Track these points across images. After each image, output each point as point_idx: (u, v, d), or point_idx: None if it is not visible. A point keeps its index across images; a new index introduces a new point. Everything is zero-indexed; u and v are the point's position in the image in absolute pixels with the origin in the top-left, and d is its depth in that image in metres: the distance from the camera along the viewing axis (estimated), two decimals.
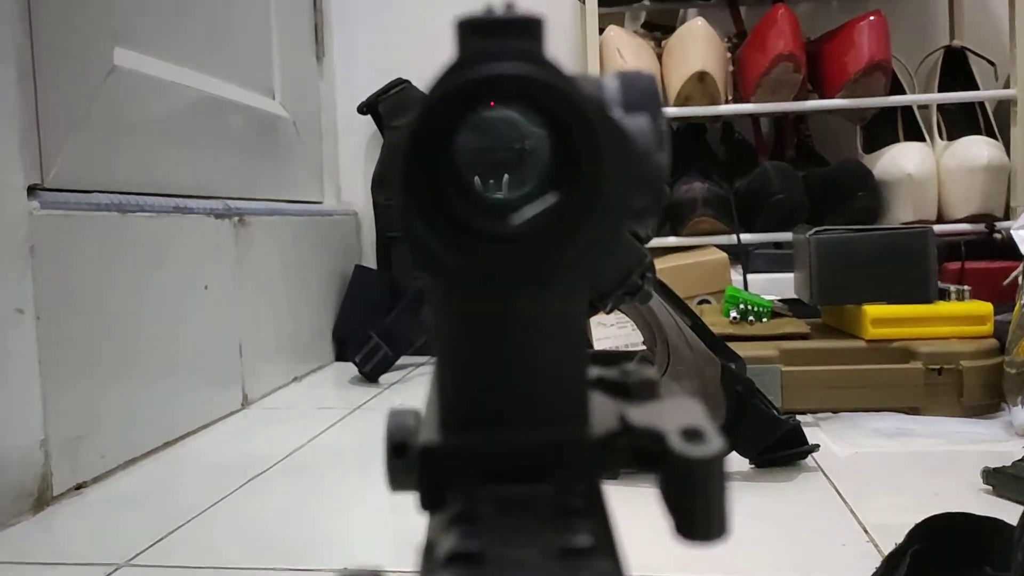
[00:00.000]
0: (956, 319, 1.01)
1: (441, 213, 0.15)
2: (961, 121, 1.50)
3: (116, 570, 0.62)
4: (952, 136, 1.47)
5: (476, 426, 0.17)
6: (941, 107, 1.51)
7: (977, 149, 1.41)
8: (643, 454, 0.16)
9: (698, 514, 0.15)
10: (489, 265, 0.15)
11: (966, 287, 1.04)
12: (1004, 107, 1.47)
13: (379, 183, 1.58)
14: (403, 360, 1.37)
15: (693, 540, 0.15)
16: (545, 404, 0.17)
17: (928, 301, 1.02)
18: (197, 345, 1.06)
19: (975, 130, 1.47)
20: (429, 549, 0.15)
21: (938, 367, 0.96)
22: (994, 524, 0.48)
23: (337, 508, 0.77)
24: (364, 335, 1.35)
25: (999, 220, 1.38)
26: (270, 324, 1.28)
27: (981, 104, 1.50)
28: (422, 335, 1.39)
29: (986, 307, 1.02)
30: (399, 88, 1.60)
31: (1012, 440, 0.86)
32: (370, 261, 1.65)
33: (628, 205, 0.16)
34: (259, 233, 1.25)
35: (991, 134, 1.47)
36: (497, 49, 0.15)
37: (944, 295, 1.04)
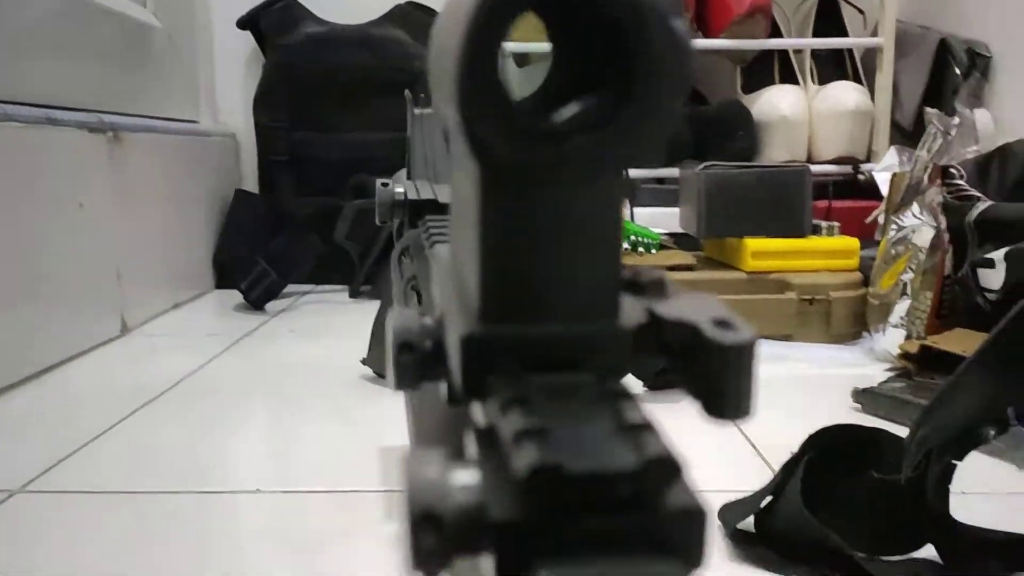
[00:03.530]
0: (826, 253, 1.08)
1: (500, 108, 0.15)
2: (832, 67, 1.58)
3: (10, 497, 0.59)
4: (823, 81, 1.55)
5: (515, 318, 0.17)
6: (814, 52, 1.58)
7: (845, 94, 1.49)
8: (672, 345, 0.17)
9: (731, 396, 0.16)
10: (540, 160, 0.16)
11: (836, 223, 1.11)
12: (871, 54, 1.55)
13: (262, 104, 1.52)
14: (290, 288, 1.35)
15: (725, 419, 0.17)
16: (582, 297, 0.17)
17: (803, 235, 1.08)
18: (72, 267, 1.00)
19: (844, 76, 1.55)
20: (484, 434, 0.16)
21: (810, 297, 1.03)
22: (877, 433, 0.53)
23: (231, 433, 0.76)
24: (249, 261, 1.31)
25: (863, 162, 1.47)
26: (149, 248, 1.22)
27: (850, 51, 1.58)
28: (310, 261, 1.36)
29: (853, 243, 1.09)
30: (282, 2, 1.53)
31: (874, 364, 0.94)
32: (251, 185, 1.59)
33: (670, 107, 0.16)
34: (135, 151, 1.18)
35: (858, 80, 1.55)
36: None
37: (816, 231, 1.11)
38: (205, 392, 0.87)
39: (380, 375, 0.88)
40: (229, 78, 1.63)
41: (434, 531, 0.14)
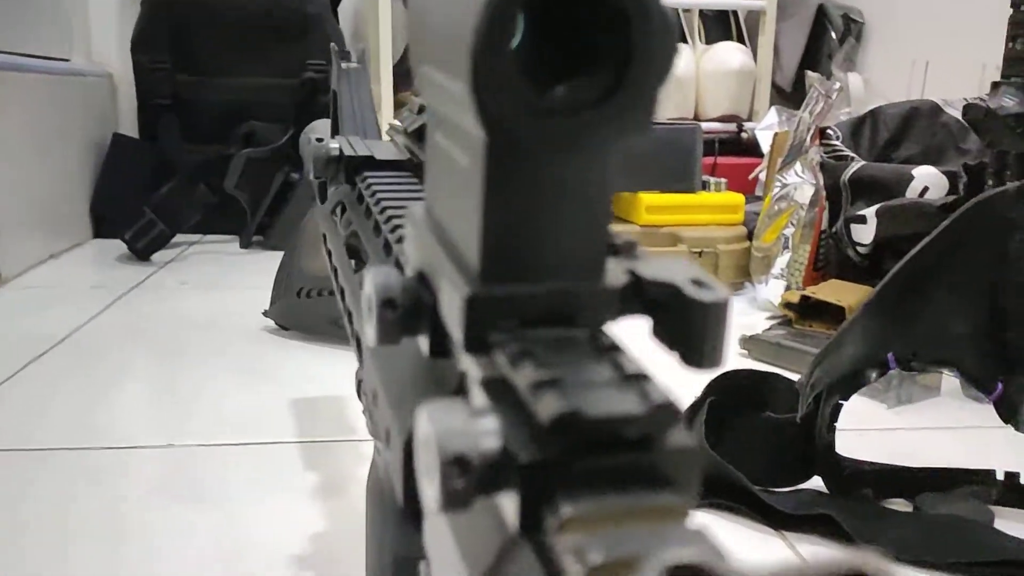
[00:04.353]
0: (715, 208, 1.14)
1: (512, 84, 0.16)
2: (718, 27, 1.64)
3: None
4: (710, 40, 1.61)
5: (514, 278, 0.18)
6: (701, 12, 1.63)
7: (731, 54, 1.55)
8: (652, 302, 0.19)
9: (707, 347, 0.18)
10: (548, 133, 0.17)
11: (723, 180, 1.17)
12: (754, 17, 1.62)
13: (141, 43, 1.44)
14: (176, 238, 1.30)
15: (701, 368, 0.19)
16: (573, 258, 0.19)
17: (694, 191, 1.13)
18: None
19: (729, 37, 1.61)
20: (495, 384, 0.17)
21: (699, 250, 1.09)
22: (771, 377, 0.57)
23: (135, 389, 0.74)
24: (133, 210, 1.25)
25: (745, 121, 1.54)
26: (20, 194, 1.15)
27: (735, 12, 1.64)
28: (199, 212, 1.32)
29: (739, 198, 1.15)
30: None
31: (757, 313, 1.01)
32: (129, 130, 1.51)
33: (662, 80, 0.18)
34: (2, 90, 1.10)
35: (742, 41, 1.62)
36: None
37: (705, 186, 1.16)
38: (99, 347, 0.84)
39: (284, 327, 0.87)
40: (104, 13, 1.54)
41: (463, 473, 0.15)
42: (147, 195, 1.30)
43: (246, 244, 1.36)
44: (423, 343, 0.22)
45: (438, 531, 0.21)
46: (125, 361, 0.80)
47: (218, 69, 1.43)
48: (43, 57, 1.31)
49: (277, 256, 0.99)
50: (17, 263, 1.12)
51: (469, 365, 0.19)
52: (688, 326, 0.19)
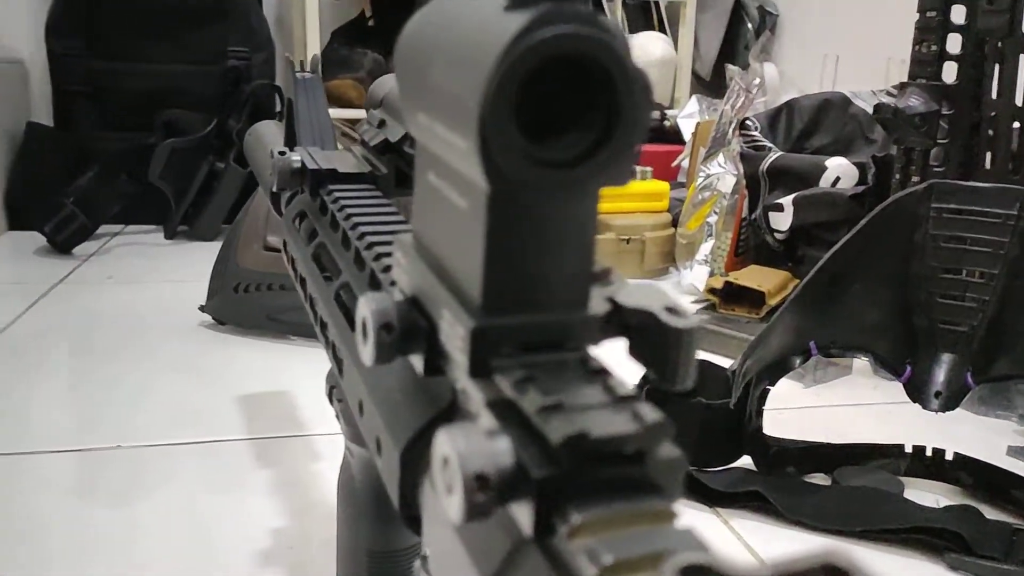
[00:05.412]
0: (641, 196, 1.17)
1: (516, 141, 0.19)
2: (639, 17, 1.68)
3: None
4: (632, 30, 1.65)
5: (513, 310, 0.21)
6: (624, 2, 1.67)
7: (653, 44, 1.59)
8: (629, 326, 0.22)
9: (680, 368, 0.21)
10: (545, 184, 0.19)
11: (648, 168, 1.21)
12: (674, 8, 1.66)
13: (55, 29, 1.39)
14: (98, 229, 1.27)
15: (675, 387, 0.21)
16: (563, 291, 0.21)
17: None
18: None
19: (650, 27, 1.65)
20: (502, 406, 0.20)
21: (627, 237, 1.13)
22: (703, 364, 0.61)
23: (75, 389, 0.73)
24: (52, 202, 1.22)
25: (667, 109, 1.58)
26: None
27: (656, 3, 1.68)
28: (120, 201, 1.28)
29: (663, 186, 1.19)
30: None
31: (682, 296, 1.05)
32: (43, 118, 1.46)
33: (642, 137, 0.20)
34: None
35: (663, 31, 1.66)
36: (568, 13, 0.18)
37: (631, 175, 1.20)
38: (31, 346, 0.82)
39: (220, 321, 0.87)
40: None
41: (483, 488, 0.18)
42: (64, 185, 1.26)
43: (171, 235, 1.34)
44: (417, 363, 0.24)
45: (442, 535, 0.23)
46: (58, 361, 0.79)
47: (135, 54, 1.39)
48: None
49: (203, 247, 0.99)
50: None
51: (471, 387, 0.21)
52: (662, 349, 0.21)
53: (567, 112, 0.20)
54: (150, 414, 0.67)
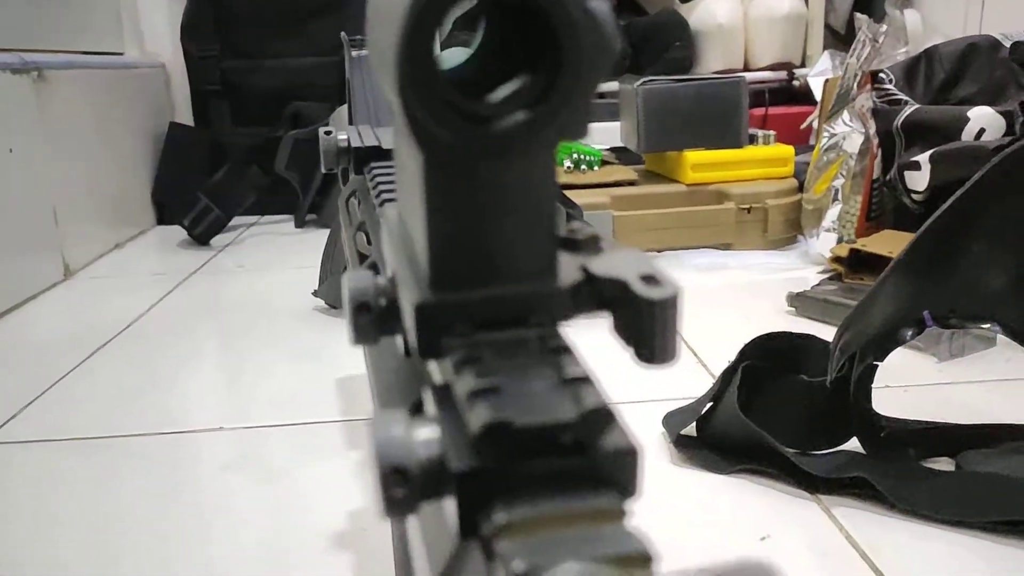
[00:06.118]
0: (763, 162, 1.11)
1: (438, 95, 0.17)
2: None
3: None
4: None
5: (463, 284, 0.19)
6: None
7: (779, 0, 1.50)
8: (606, 298, 0.19)
9: (657, 344, 0.18)
10: (477, 141, 0.17)
11: (771, 132, 1.14)
12: None
13: (189, 31, 1.47)
14: (234, 220, 1.34)
15: (653, 364, 0.19)
16: (522, 261, 0.19)
17: (740, 146, 1.11)
18: (7, 214, 0.98)
19: None
20: (441, 391, 0.18)
21: (748, 206, 1.07)
22: (807, 339, 0.56)
23: (190, 373, 0.77)
24: (191, 197, 1.29)
25: (797, 67, 1.49)
26: (84, 187, 1.20)
27: None
28: (252, 194, 1.35)
29: (788, 150, 1.12)
30: None
31: (808, 267, 0.99)
32: (185, 118, 1.55)
33: (595, 84, 0.18)
34: (61, 88, 1.14)
35: None
36: None
37: (753, 140, 1.14)
38: (158, 333, 0.87)
39: (332, 306, 0.90)
40: (153, 4, 1.57)
41: (402, 482, 0.16)
42: (203, 181, 1.34)
43: (300, 223, 1.39)
44: (399, 343, 0.23)
45: (412, 527, 0.21)
46: (183, 347, 0.83)
47: (262, 52, 1.45)
48: (98, 53, 1.35)
49: None
50: (84, 254, 1.17)
51: (427, 371, 0.19)
52: (638, 322, 0.19)
53: (507, 65, 0.18)
54: (252, 397, 0.69)
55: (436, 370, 0.19)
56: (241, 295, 1.01)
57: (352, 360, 0.75)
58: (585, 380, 0.17)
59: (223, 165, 1.35)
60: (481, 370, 0.17)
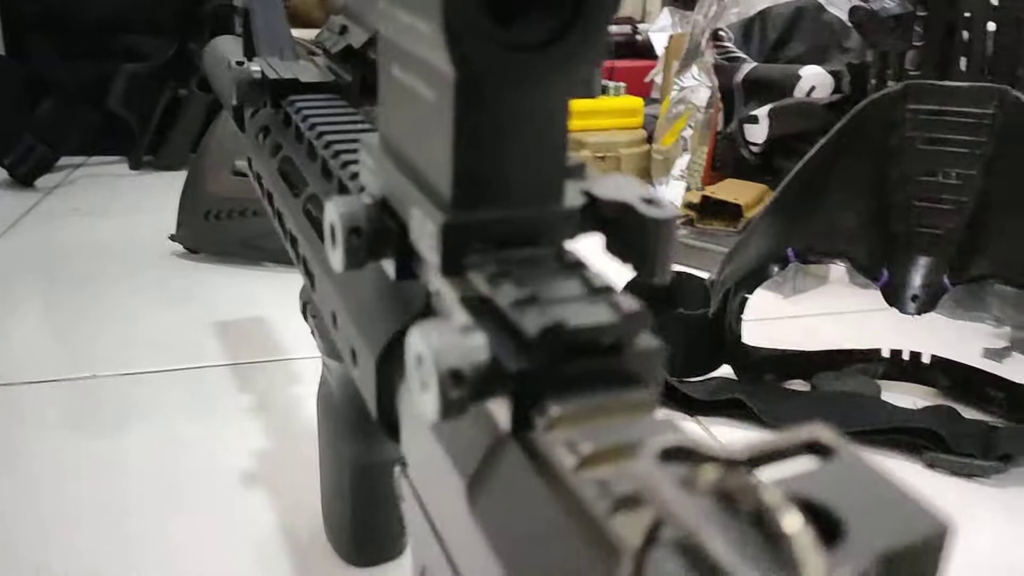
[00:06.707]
0: (615, 113, 1.16)
1: (485, 25, 0.18)
2: None
3: None
4: None
5: (484, 205, 0.20)
6: None
7: None
8: (607, 220, 0.21)
9: (658, 261, 0.20)
10: (514, 69, 0.18)
11: (622, 84, 1.18)
12: None
13: None
14: (60, 161, 1.23)
15: (652, 279, 0.21)
16: (536, 184, 0.20)
17: (593, 97, 1.15)
18: None
19: None
20: (473, 302, 0.19)
21: (602, 155, 1.11)
22: (682, 276, 0.61)
23: (52, 320, 0.72)
24: (13, 133, 1.18)
25: (639, 23, 1.55)
26: None
27: None
28: (83, 131, 1.25)
29: (637, 102, 1.17)
30: None
31: None
32: None
33: (611, 15, 0.19)
34: None
35: None
36: None
37: (604, 91, 1.18)
38: (2, 279, 0.81)
39: (192, 250, 0.86)
40: None
41: (458, 384, 0.17)
42: (21, 116, 1.22)
43: (136, 165, 1.30)
44: (389, 267, 0.24)
45: (420, 438, 0.22)
46: (29, 294, 0.78)
47: None
48: None
49: (170, 176, 0.96)
50: None
51: (444, 286, 0.20)
52: (640, 241, 0.20)
53: None
54: (126, 344, 0.66)
55: (453, 286, 0.20)
56: (81, 240, 0.94)
57: (229, 305, 0.73)
58: (611, 289, 0.19)
59: (44, 100, 1.24)
60: (518, 281, 0.19)
